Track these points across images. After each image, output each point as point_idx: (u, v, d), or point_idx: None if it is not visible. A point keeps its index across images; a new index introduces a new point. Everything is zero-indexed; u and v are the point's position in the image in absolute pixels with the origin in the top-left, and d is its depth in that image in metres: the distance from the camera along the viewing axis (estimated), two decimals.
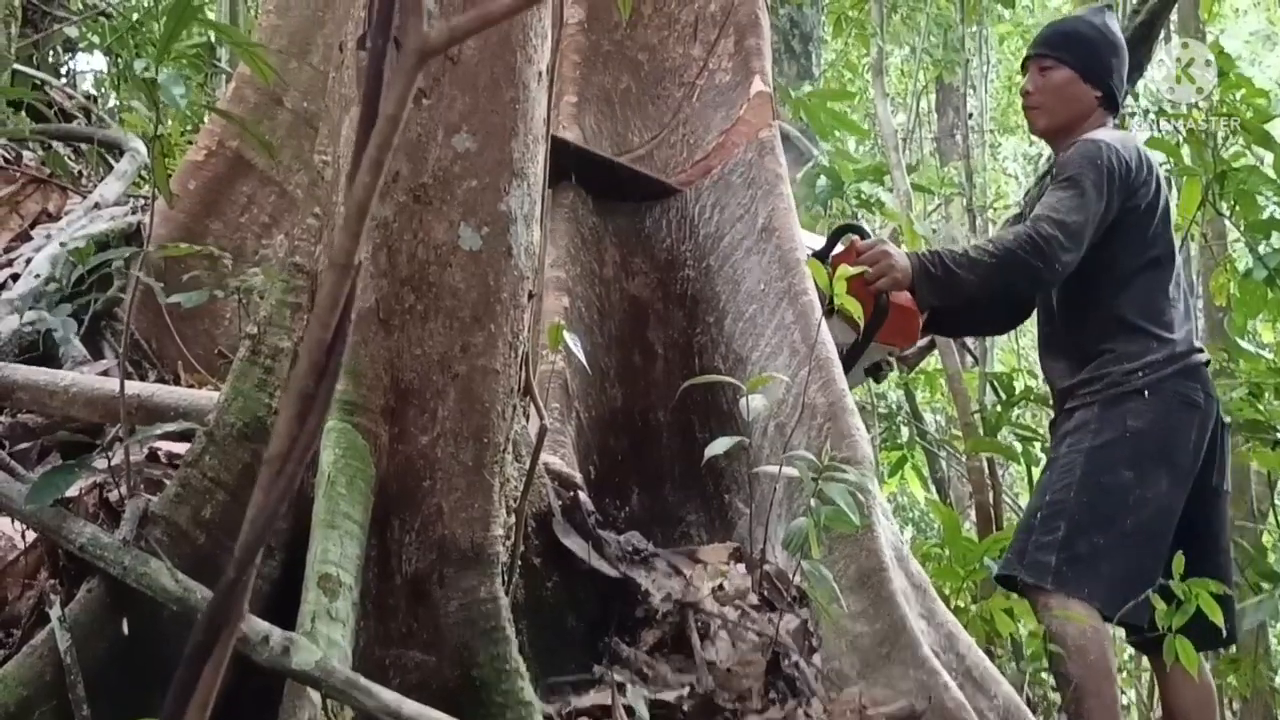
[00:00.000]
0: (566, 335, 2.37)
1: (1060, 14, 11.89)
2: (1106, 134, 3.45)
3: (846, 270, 2.79)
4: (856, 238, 3.51)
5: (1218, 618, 3.07)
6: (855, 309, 2.80)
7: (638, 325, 3.47)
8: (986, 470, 5.23)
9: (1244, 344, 5.27)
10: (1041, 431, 4.75)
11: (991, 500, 5.17)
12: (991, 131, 12.34)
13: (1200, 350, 3.47)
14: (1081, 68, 3.51)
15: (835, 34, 10.91)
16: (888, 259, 3.28)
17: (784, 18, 9.69)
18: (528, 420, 2.32)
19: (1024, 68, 3.67)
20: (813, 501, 2.37)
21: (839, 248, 3.57)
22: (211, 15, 6.87)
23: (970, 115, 11.59)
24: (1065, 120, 3.52)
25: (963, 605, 3.66)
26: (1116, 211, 3.35)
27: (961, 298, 3.41)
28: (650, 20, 3.84)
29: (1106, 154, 3.33)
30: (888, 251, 3.30)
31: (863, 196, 5.99)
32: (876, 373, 3.79)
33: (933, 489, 7.08)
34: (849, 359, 3.39)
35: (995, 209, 10.61)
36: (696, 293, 3.46)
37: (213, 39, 5.59)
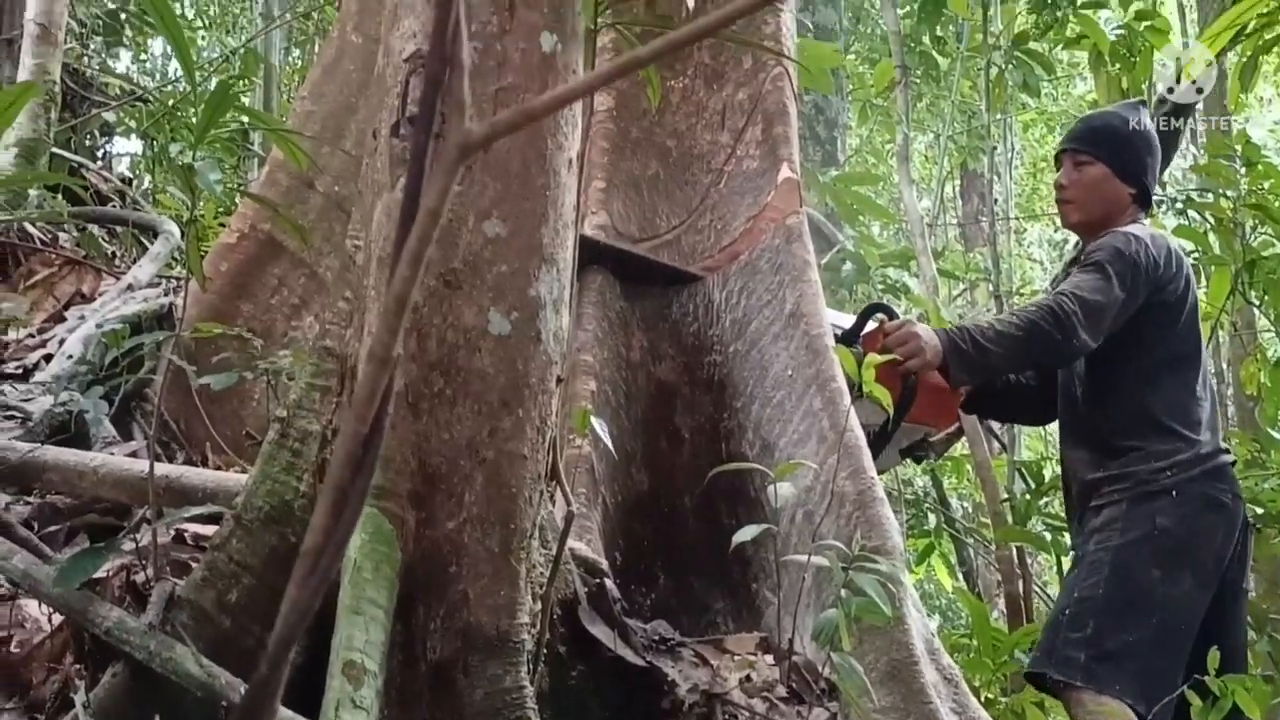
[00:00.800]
0: (593, 420, 2.37)
1: (1085, 101, 11.99)
2: (1138, 229, 3.44)
3: (875, 358, 2.77)
4: (885, 318, 3.50)
5: (1255, 714, 3.01)
6: (884, 396, 2.77)
7: (664, 410, 3.46)
8: (1016, 560, 5.15)
9: (1275, 434, 5.21)
10: None
11: (1021, 590, 5.09)
12: (1016, 217, 12.38)
13: (1226, 451, 3.44)
14: (1116, 164, 3.51)
15: (860, 121, 11.03)
16: (916, 340, 3.25)
17: (809, 104, 9.82)
18: (554, 505, 2.31)
19: (1058, 161, 3.67)
20: (843, 592, 2.33)
21: (869, 326, 3.56)
22: (246, 100, 7.00)
23: (995, 201, 11.65)
24: (1098, 216, 3.52)
25: (993, 698, 3.59)
26: (1142, 303, 3.34)
27: (992, 373, 3.39)
28: (679, 108, 3.88)
29: (1135, 246, 3.33)
30: (916, 332, 3.28)
31: (888, 281, 6.00)
32: (914, 454, 3.76)
33: (960, 577, 6.99)
34: (878, 442, 3.36)
35: (1021, 294, 10.61)
36: (723, 378, 3.45)
37: (246, 123, 5.70)
